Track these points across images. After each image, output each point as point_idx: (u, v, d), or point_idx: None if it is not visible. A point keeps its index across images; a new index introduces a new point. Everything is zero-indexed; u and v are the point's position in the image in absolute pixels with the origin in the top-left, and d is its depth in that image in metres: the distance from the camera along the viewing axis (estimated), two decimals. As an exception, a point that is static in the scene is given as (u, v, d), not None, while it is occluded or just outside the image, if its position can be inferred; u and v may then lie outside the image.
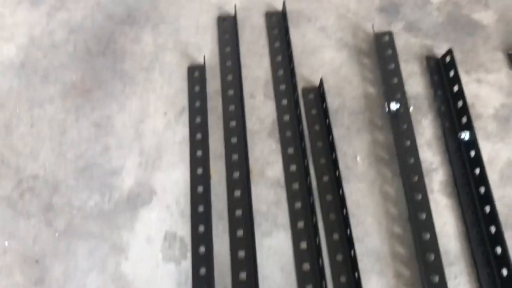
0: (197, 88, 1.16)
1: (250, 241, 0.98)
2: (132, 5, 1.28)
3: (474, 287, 0.95)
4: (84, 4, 1.27)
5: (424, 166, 1.06)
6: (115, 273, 0.96)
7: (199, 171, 1.06)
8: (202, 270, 0.94)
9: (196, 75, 1.18)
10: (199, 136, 1.09)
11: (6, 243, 0.98)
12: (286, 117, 1.13)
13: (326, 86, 1.15)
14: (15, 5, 1.27)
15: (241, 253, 0.98)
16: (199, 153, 1.08)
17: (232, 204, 1.03)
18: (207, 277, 0.93)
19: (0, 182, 1.04)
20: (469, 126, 1.08)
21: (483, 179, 1.01)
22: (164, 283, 0.95)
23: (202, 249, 0.97)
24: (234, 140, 1.10)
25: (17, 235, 0.99)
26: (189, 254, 0.97)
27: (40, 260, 0.96)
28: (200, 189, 1.04)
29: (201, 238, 0.98)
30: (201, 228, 0.99)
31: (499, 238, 0.95)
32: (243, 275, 0.96)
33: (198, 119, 1.11)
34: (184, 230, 1.00)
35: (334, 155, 1.06)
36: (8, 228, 0.99)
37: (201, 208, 1.01)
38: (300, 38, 1.23)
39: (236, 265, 0.97)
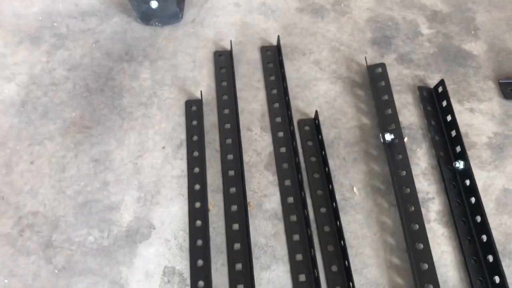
0: (194, 122, 1.18)
1: (249, 274, 0.98)
2: (130, 42, 1.31)
3: (474, 318, 0.95)
4: (83, 42, 1.31)
5: (420, 196, 1.07)
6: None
7: (197, 204, 1.07)
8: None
9: (193, 109, 1.20)
10: (196, 170, 1.10)
11: (6, 281, 0.98)
12: (283, 149, 1.15)
13: (321, 118, 1.17)
14: (16, 45, 1.30)
15: (240, 287, 0.98)
16: (197, 186, 1.09)
17: (230, 237, 1.04)
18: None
19: (0, 220, 1.05)
20: (463, 155, 1.09)
21: (478, 207, 1.02)
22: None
23: (201, 283, 0.97)
24: (231, 173, 1.12)
25: (17, 273, 0.99)
26: (188, 290, 0.97)
27: (39, 298, 0.96)
28: (198, 223, 1.05)
29: (200, 273, 0.98)
30: (200, 263, 0.99)
31: (496, 267, 0.95)
32: (243, 311, 0.96)
33: (195, 153, 1.13)
34: (182, 264, 1.00)
35: (330, 186, 1.07)
36: (8, 265, 1.00)
37: (199, 242, 1.02)
38: (295, 71, 1.26)
39: (235, 300, 0.97)
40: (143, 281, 0.98)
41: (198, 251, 1.01)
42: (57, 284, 0.98)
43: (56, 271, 0.99)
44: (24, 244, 1.02)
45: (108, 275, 0.99)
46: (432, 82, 1.24)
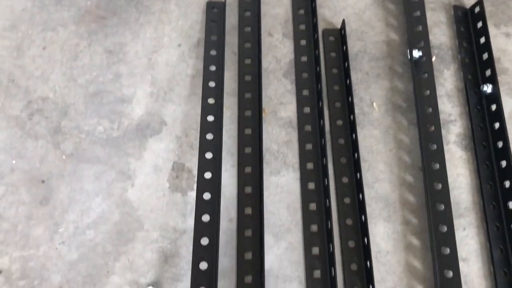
0: (214, 23, 1.12)
1: (258, 177, 0.97)
2: None
3: (481, 240, 0.94)
4: None
5: (442, 117, 1.03)
6: (120, 199, 0.95)
7: (211, 101, 1.03)
8: (207, 195, 0.92)
9: (215, 11, 1.14)
10: (213, 68, 1.05)
11: (14, 162, 0.97)
12: (304, 58, 1.10)
13: (347, 30, 1.11)
14: None
15: (248, 189, 0.97)
16: (211, 84, 1.05)
17: (242, 141, 1.01)
18: (211, 202, 0.91)
19: (10, 102, 1.03)
20: (492, 79, 1.04)
21: (502, 133, 0.98)
22: (169, 212, 0.94)
23: (208, 174, 0.94)
24: (248, 78, 1.08)
25: (24, 155, 0.98)
26: (195, 186, 0.96)
27: (46, 181, 0.96)
28: (210, 118, 1.01)
29: (208, 165, 0.95)
30: (209, 155, 0.96)
31: (512, 193, 0.93)
32: (248, 210, 0.95)
33: (213, 52, 1.08)
34: (192, 162, 0.98)
35: (350, 99, 1.03)
36: (16, 147, 0.99)
37: (210, 136, 0.98)
38: (324, -22, 1.19)
39: (242, 199, 0.96)
40: (151, 174, 0.97)
41: (208, 144, 0.97)
42: (64, 169, 0.97)
43: (64, 156, 0.98)
44: (32, 128, 1.01)
45: (116, 165, 0.98)
46: (469, 2, 1.16)
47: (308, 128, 1.03)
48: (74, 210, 0.94)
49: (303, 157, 1.01)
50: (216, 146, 0.97)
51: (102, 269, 0.90)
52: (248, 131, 1.03)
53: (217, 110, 1.01)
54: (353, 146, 1.00)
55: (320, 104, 1.03)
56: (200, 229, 0.89)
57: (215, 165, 0.95)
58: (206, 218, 0.90)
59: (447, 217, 0.93)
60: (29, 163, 0.97)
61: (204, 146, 0.96)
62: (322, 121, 1.01)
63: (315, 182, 0.98)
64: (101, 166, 0.98)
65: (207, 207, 0.91)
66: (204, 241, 0.88)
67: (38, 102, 1.03)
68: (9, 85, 1.04)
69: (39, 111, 1.02)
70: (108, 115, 1.02)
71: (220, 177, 0.93)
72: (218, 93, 1.03)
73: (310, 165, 1.00)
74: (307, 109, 1.05)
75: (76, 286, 0.88)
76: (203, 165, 0.94)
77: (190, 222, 0.93)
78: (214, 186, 0.92)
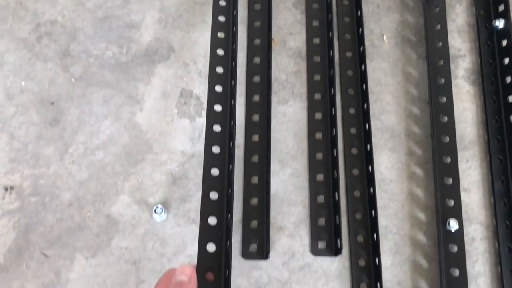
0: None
1: (265, 106, 0.97)
2: None
3: (484, 172, 0.95)
4: None
5: (452, 52, 1.03)
6: (129, 122, 0.96)
7: (220, 35, 1.02)
8: (216, 127, 0.93)
9: None
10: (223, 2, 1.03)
11: (23, 83, 0.98)
12: (315, -11, 1.08)
13: (360, -39, 1.08)
14: None
15: (256, 117, 0.98)
16: (221, 18, 1.03)
17: (250, 70, 1.01)
18: (222, 133, 0.91)
19: (18, 24, 1.02)
20: (505, 15, 1.02)
21: (511, 68, 0.98)
22: (177, 137, 0.95)
23: (218, 107, 0.95)
24: (257, 6, 1.06)
25: (34, 77, 0.98)
26: (204, 113, 0.97)
27: (55, 103, 0.97)
28: (220, 52, 1.00)
29: (217, 97, 0.95)
30: (219, 88, 0.97)
31: (518, 126, 0.94)
32: (255, 137, 0.96)
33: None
34: (200, 89, 0.99)
35: (360, 31, 1.02)
36: (25, 69, 0.99)
37: (219, 70, 0.99)
38: None
39: (250, 127, 0.97)
40: (159, 99, 0.98)
41: (218, 77, 0.97)
42: (73, 92, 0.98)
43: (72, 79, 0.99)
44: (41, 50, 1.00)
45: (125, 90, 0.98)
46: None
47: (317, 59, 1.03)
48: (84, 131, 0.95)
49: (311, 87, 1.01)
50: (225, 78, 0.96)
51: (111, 188, 0.92)
52: (256, 60, 1.02)
53: (227, 44, 0.99)
54: (362, 77, 1.00)
55: (330, 34, 1.02)
56: (210, 159, 0.87)
57: (224, 97, 0.95)
58: (216, 149, 0.87)
59: (451, 149, 0.94)
60: (38, 85, 0.98)
61: (213, 79, 0.94)
62: (331, 51, 1.01)
63: (322, 112, 0.99)
64: (109, 90, 0.98)
65: (216, 138, 0.90)
66: (215, 171, 0.85)
67: (46, 25, 1.02)
68: (16, 7, 1.03)
69: (48, 34, 1.02)
70: (116, 40, 1.02)
71: (233, 109, 0.91)
72: (228, 27, 1.01)
73: (317, 96, 1.00)
74: (316, 40, 1.04)
75: (86, 204, 0.91)
76: (212, 97, 0.93)
77: (198, 147, 0.95)
78: (224, 118, 0.89)
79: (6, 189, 0.91)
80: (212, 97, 0.91)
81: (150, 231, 0.90)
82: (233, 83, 0.93)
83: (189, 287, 0.57)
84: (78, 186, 0.92)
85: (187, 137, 0.96)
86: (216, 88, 0.95)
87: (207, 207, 0.77)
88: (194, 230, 0.90)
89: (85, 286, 0.86)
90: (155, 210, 0.88)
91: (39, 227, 0.89)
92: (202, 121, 0.96)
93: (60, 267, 0.87)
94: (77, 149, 0.94)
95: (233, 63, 0.95)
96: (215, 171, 0.81)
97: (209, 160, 0.82)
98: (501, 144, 0.97)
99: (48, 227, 0.89)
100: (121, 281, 0.87)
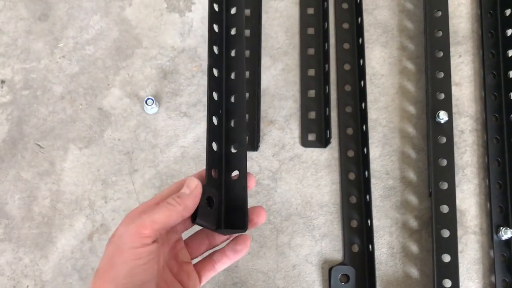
0: None
1: (256, 1, 0.96)
2: None
3: (476, 67, 0.95)
4: None
5: None
6: (118, 17, 0.95)
7: None
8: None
9: None
10: None
11: (9, -22, 0.96)
12: None
13: None
14: None
15: (246, 11, 0.96)
16: None
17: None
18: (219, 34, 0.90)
19: None
20: None
21: None
22: (167, 31, 0.95)
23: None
24: None
25: (20, -28, 0.96)
26: (193, 7, 0.96)
27: (43, -3, 0.95)
28: None
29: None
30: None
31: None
32: (247, 32, 0.95)
33: None
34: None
35: None
36: (11, -37, 0.97)
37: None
38: None
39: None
40: (148, -6, 0.96)
41: None
42: (61, -14, 0.96)
43: (60, -26, 0.97)
44: None
45: (113, -15, 0.96)
46: None
47: (310, -46, 1.00)
48: (73, 26, 0.94)
49: (304, -18, 0.99)
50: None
51: (102, 82, 0.92)
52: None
53: None
54: (355, -28, 0.97)
55: None
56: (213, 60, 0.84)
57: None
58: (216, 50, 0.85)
59: (444, 43, 0.93)
60: (25, -21, 0.96)
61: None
62: None
63: (315, 6, 0.97)
64: (99, -17, 0.96)
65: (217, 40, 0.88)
66: (216, 72, 0.82)
67: None
68: None
69: None
70: None
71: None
72: None
73: (310, -9, 0.98)
74: None
75: (77, 97, 0.91)
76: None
77: (188, 41, 0.94)
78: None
79: (-2, 83, 0.92)
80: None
81: (142, 123, 0.90)
82: None
83: (187, 199, 0.54)
84: (70, 80, 0.92)
85: (176, 32, 0.95)
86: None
87: (211, 107, 0.74)
88: (185, 123, 0.91)
89: (80, 175, 0.88)
90: (146, 102, 0.89)
91: (32, 119, 0.90)
92: (192, 15, 0.95)
93: (55, 157, 0.89)
94: (67, 44, 0.93)
95: None
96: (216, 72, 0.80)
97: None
98: (495, 38, 0.96)
99: (41, 119, 0.90)
100: (114, 170, 0.89)
